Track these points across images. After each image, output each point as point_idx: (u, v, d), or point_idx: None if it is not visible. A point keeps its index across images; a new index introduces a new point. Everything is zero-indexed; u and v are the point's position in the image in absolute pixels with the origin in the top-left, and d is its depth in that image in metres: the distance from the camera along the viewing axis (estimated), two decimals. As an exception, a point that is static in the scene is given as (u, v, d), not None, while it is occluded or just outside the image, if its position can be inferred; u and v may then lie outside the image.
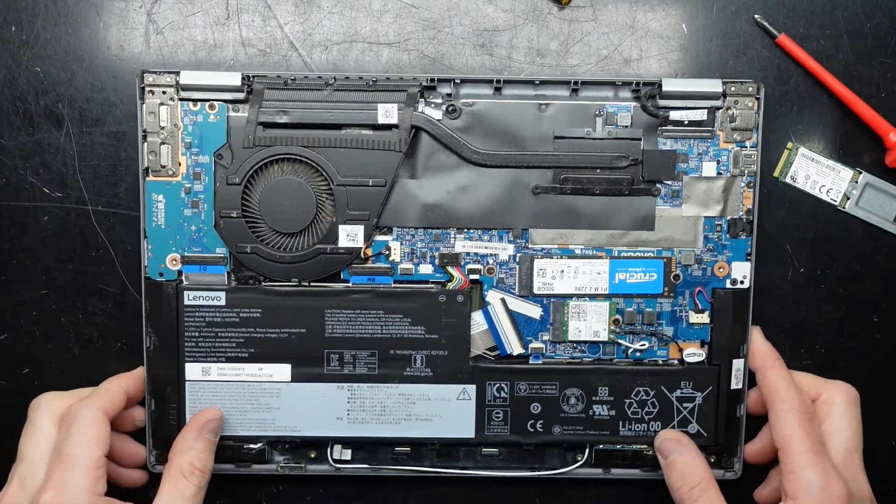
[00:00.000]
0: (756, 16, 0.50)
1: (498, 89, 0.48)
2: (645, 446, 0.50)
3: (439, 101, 0.48)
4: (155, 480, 0.46)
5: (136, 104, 0.48)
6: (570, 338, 0.49)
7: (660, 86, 0.48)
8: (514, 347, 0.50)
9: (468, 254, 0.49)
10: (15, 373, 0.52)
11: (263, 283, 0.49)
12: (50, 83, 0.50)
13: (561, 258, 0.49)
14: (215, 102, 0.48)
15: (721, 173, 0.48)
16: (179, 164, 0.48)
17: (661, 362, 0.50)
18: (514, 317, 0.49)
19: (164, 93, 0.47)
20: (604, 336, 0.49)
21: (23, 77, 0.50)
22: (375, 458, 0.51)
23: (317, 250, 0.48)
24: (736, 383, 0.49)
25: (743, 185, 0.48)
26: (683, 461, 0.47)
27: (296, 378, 0.49)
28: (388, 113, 0.47)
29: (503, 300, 0.49)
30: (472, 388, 0.49)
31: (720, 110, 0.48)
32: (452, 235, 0.49)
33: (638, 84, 0.48)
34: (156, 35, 0.50)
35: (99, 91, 0.50)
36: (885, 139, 0.50)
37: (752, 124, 0.48)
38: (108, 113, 0.50)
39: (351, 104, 0.47)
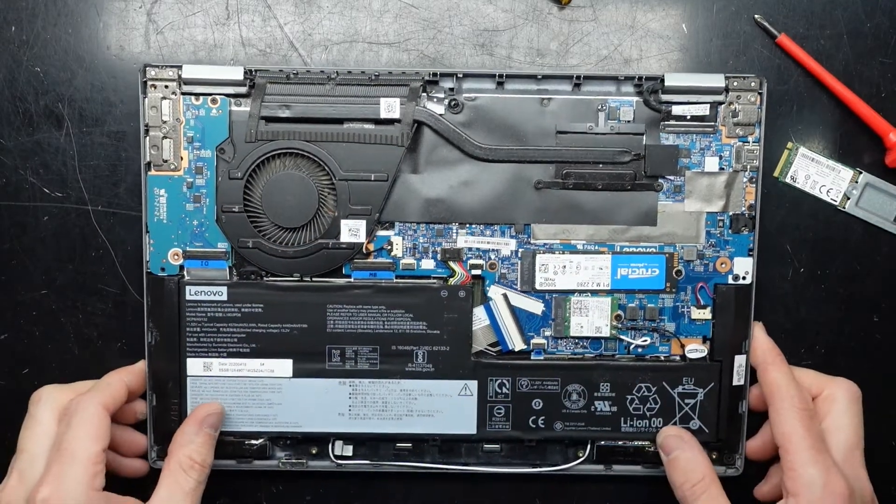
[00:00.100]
0: (756, 16, 0.50)
1: (500, 84, 0.48)
2: (647, 443, 0.50)
3: (441, 95, 0.48)
4: (156, 476, 0.46)
5: (136, 104, 0.48)
6: (572, 333, 0.49)
7: (662, 81, 0.47)
8: (516, 343, 0.49)
9: (470, 249, 0.49)
10: (15, 373, 0.52)
11: (265, 278, 0.48)
12: (50, 83, 0.50)
13: (563, 253, 0.49)
14: (217, 97, 0.47)
15: (723, 168, 0.48)
16: (181, 159, 0.48)
17: (662, 358, 0.50)
18: (515, 312, 0.49)
19: (166, 87, 0.47)
20: (605, 332, 0.49)
21: (23, 77, 0.50)
22: (377, 454, 0.50)
23: (319, 245, 0.48)
24: (738, 379, 0.49)
25: (745, 180, 0.48)
26: (686, 458, 0.47)
27: (297, 374, 0.49)
28: (390, 107, 0.47)
29: (505, 296, 0.49)
30: (473, 384, 0.49)
31: (723, 105, 0.48)
32: (454, 230, 0.49)
33: (640, 79, 0.48)
34: (156, 35, 0.50)
35: (99, 91, 0.50)
36: (885, 139, 0.50)
37: (754, 119, 0.48)
38: (108, 113, 0.50)
39: (353, 98, 0.47)
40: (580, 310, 0.49)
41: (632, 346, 0.50)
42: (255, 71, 0.47)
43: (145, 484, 0.49)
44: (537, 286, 0.49)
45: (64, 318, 0.51)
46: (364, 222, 0.48)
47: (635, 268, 0.49)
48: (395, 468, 0.50)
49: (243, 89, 0.47)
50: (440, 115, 0.48)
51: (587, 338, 0.50)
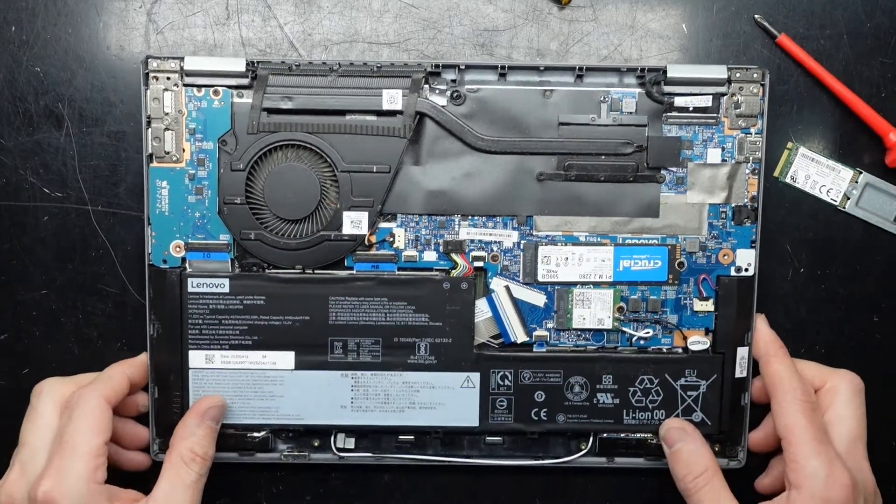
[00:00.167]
0: (756, 16, 0.50)
1: (502, 76, 0.48)
2: (649, 435, 0.50)
3: (444, 87, 0.48)
4: (158, 469, 0.46)
5: (136, 104, 0.48)
6: (575, 326, 0.49)
7: (665, 72, 0.47)
8: (518, 335, 0.49)
9: (472, 241, 0.49)
10: (15, 373, 0.52)
11: (267, 271, 0.48)
12: (50, 83, 0.50)
13: (565, 245, 0.49)
14: (219, 88, 0.47)
15: (726, 160, 0.48)
16: (183, 151, 0.48)
17: (665, 350, 0.50)
18: (518, 304, 0.49)
19: (168, 78, 0.47)
20: (608, 324, 0.49)
21: (23, 77, 0.50)
22: (379, 446, 0.50)
23: (321, 237, 0.48)
24: (740, 371, 0.49)
25: (748, 171, 0.48)
26: (688, 450, 0.47)
27: (299, 366, 0.49)
28: (392, 99, 0.47)
29: (507, 288, 0.49)
30: (476, 376, 0.49)
31: (725, 97, 0.48)
32: (457, 222, 0.49)
33: (643, 70, 0.48)
34: (156, 35, 0.50)
35: (99, 91, 0.50)
36: (885, 139, 0.50)
37: (757, 111, 0.48)
38: (108, 113, 0.50)
39: (355, 90, 0.47)
40: (582, 302, 0.49)
41: (634, 339, 0.50)
42: (258, 62, 0.47)
43: (147, 477, 0.49)
44: (539, 278, 0.49)
45: (64, 318, 0.51)
46: (366, 214, 0.48)
47: (638, 259, 0.49)
48: (397, 461, 0.50)
49: (245, 81, 0.47)
50: (442, 106, 0.48)
51: (589, 330, 0.50)
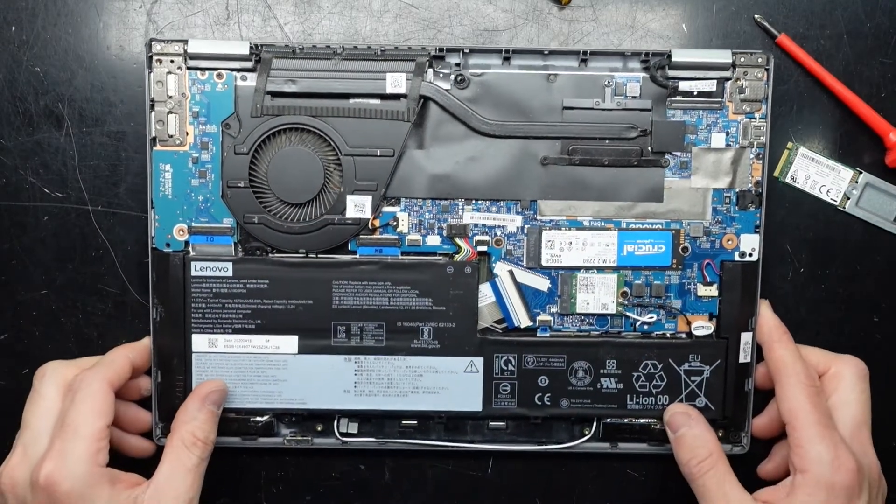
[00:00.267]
0: (756, 16, 0.50)
1: (506, 60, 0.48)
2: (653, 420, 0.50)
3: (448, 71, 0.48)
4: (160, 454, 0.46)
5: (136, 104, 0.49)
6: (578, 310, 0.49)
7: (669, 56, 0.47)
8: (522, 320, 0.49)
9: (476, 225, 0.49)
10: (15, 373, 0.51)
11: (271, 254, 0.48)
12: (50, 83, 0.50)
13: (569, 230, 0.49)
14: (223, 71, 0.47)
15: (730, 145, 0.48)
16: (187, 134, 0.48)
17: (669, 335, 0.50)
18: (521, 289, 0.49)
19: (171, 62, 0.47)
20: (612, 309, 0.49)
21: (23, 77, 0.50)
22: (382, 431, 0.50)
23: (324, 221, 0.48)
24: (744, 357, 0.49)
25: (752, 156, 0.48)
26: (693, 435, 0.47)
27: (303, 350, 0.49)
28: (396, 83, 0.47)
29: (511, 272, 0.49)
30: (479, 361, 0.49)
31: (729, 81, 0.48)
32: (460, 206, 0.49)
33: (647, 55, 0.48)
34: (156, 35, 0.50)
35: (99, 91, 0.50)
36: (885, 139, 0.50)
37: (761, 95, 0.48)
38: (108, 113, 0.50)
39: (359, 74, 0.47)
40: (586, 286, 0.49)
41: (638, 323, 0.49)
42: (261, 46, 0.47)
43: (149, 462, 0.49)
44: (543, 263, 0.49)
45: (64, 318, 0.51)
46: (370, 198, 0.48)
47: (642, 244, 0.49)
48: (400, 445, 0.50)
49: (249, 64, 0.47)
50: (446, 90, 0.48)
51: (593, 314, 0.49)
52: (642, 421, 0.50)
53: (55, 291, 0.51)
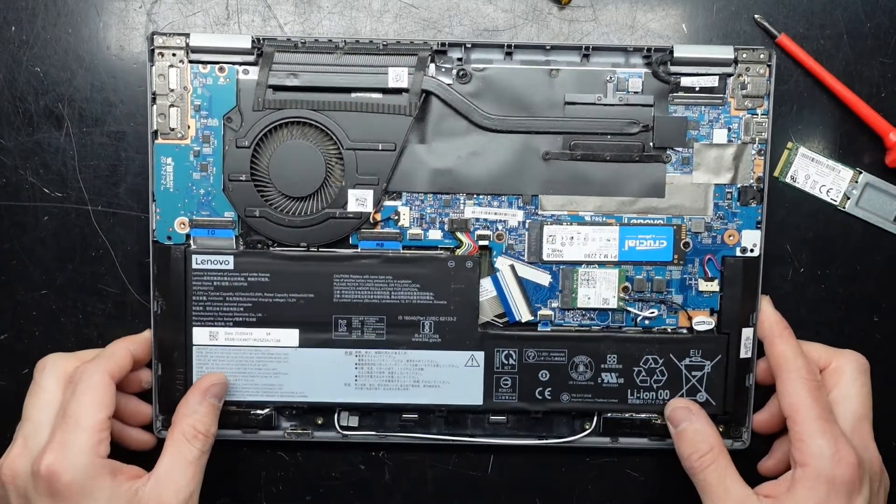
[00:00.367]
0: (756, 16, 0.50)
1: (508, 55, 0.48)
2: (654, 415, 0.50)
3: (450, 65, 0.48)
4: (161, 447, 0.46)
5: (136, 104, 0.49)
6: (579, 305, 0.49)
7: (671, 52, 0.47)
8: (523, 314, 0.49)
9: (477, 220, 0.49)
10: (15, 373, 0.51)
11: (272, 248, 0.48)
12: (50, 83, 0.50)
13: (570, 225, 0.49)
14: (225, 65, 0.47)
15: (732, 140, 0.48)
16: (188, 127, 0.48)
17: (670, 330, 0.50)
18: (523, 283, 0.49)
19: (173, 55, 0.47)
20: (613, 304, 0.49)
21: (23, 77, 0.50)
22: (383, 425, 0.50)
23: (326, 215, 0.48)
24: (745, 352, 0.49)
25: (754, 152, 0.48)
26: (694, 429, 0.47)
27: (303, 343, 0.49)
28: (398, 77, 0.47)
29: (512, 267, 0.49)
30: (480, 355, 0.49)
31: (731, 77, 0.48)
32: (462, 201, 0.49)
33: (649, 50, 0.48)
34: None
35: (99, 91, 0.50)
36: (885, 139, 0.50)
37: (763, 91, 0.48)
38: (108, 113, 0.50)
39: (361, 68, 0.47)
40: (587, 281, 0.49)
41: (639, 318, 0.49)
42: (263, 39, 0.47)
43: (150, 455, 0.49)
44: (545, 257, 0.49)
45: (64, 318, 0.51)
46: (371, 192, 0.48)
47: (643, 239, 0.49)
48: (400, 439, 0.50)
49: (251, 58, 0.47)
50: (448, 85, 0.48)
51: (594, 309, 0.49)
52: (643, 416, 0.50)
53: (55, 291, 0.51)
